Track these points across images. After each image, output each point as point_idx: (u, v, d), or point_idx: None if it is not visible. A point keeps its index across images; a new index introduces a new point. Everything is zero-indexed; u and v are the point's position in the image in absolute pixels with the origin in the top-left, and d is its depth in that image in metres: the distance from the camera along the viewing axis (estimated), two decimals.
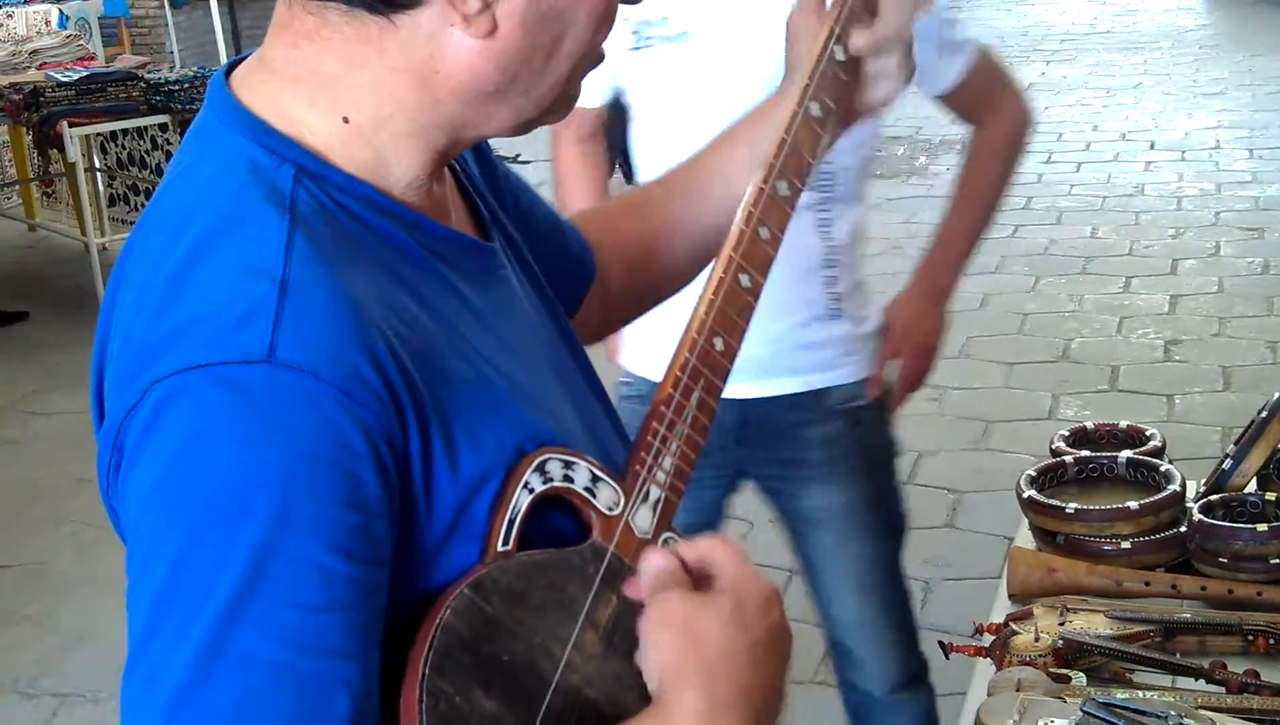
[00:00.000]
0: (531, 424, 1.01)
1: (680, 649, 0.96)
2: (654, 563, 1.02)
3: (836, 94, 1.26)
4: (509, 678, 0.94)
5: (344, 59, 0.99)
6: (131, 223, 7.30)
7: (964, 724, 1.45)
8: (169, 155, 6.86)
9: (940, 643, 1.65)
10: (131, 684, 0.86)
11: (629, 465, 1.07)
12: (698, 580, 1.02)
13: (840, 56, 1.24)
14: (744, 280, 1.15)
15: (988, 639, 1.63)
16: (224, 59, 7.34)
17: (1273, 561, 1.67)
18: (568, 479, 1.01)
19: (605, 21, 1.03)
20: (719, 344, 1.12)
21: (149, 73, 6.44)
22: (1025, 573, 1.75)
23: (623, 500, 1.05)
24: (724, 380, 1.13)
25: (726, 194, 1.32)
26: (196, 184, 0.98)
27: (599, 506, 1.03)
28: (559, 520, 1.02)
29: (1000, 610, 1.73)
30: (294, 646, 0.85)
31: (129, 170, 7.23)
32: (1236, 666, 1.51)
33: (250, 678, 0.84)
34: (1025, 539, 1.89)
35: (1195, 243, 6.81)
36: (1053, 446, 2.01)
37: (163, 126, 6.68)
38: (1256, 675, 1.49)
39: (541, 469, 0.99)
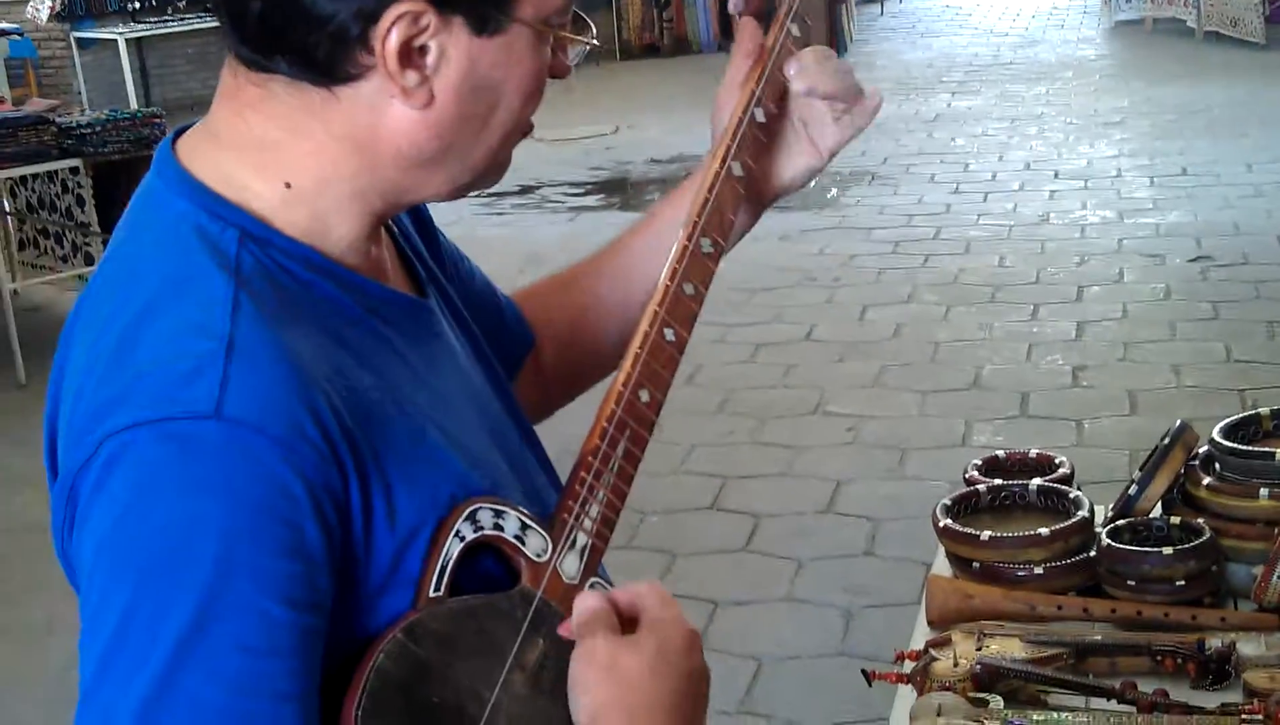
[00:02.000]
0: (464, 475, 1.05)
1: (604, 688, 1.00)
2: (585, 603, 1.06)
3: (757, 154, 1.30)
4: (438, 720, 0.98)
5: (287, 129, 1.03)
6: (42, 267, 7.22)
7: None
8: (80, 199, 6.78)
9: (863, 670, 1.69)
10: (87, 719, 0.90)
11: (556, 513, 1.11)
12: (626, 622, 1.06)
13: (760, 118, 1.28)
14: (669, 334, 1.19)
15: (908, 666, 1.67)
16: (132, 99, 7.30)
17: (1178, 583, 1.74)
18: (497, 527, 1.05)
19: (535, 95, 1.09)
20: (644, 396, 1.17)
21: (59, 116, 6.38)
22: (943, 599, 1.80)
23: (550, 547, 1.09)
24: (649, 431, 1.17)
25: (651, 271, 1.33)
26: (144, 248, 1.02)
27: (528, 553, 1.07)
28: (489, 565, 1.06)
29: (920, 636, 1.77)
30: (238, 690, 0.89)
31: (39, 214, 7.14)
32: (1146, 686, 1.57)
33: (195, 721, 0.88)
34: (942, 566, 1.94)
35: (1100, 270, 6.97)
36: (966, 475, 2.07)
37: (74, 170, 6.62)
38: (1165, 694, 1.54)
39: (473, 518, 1.03)
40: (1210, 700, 1.53)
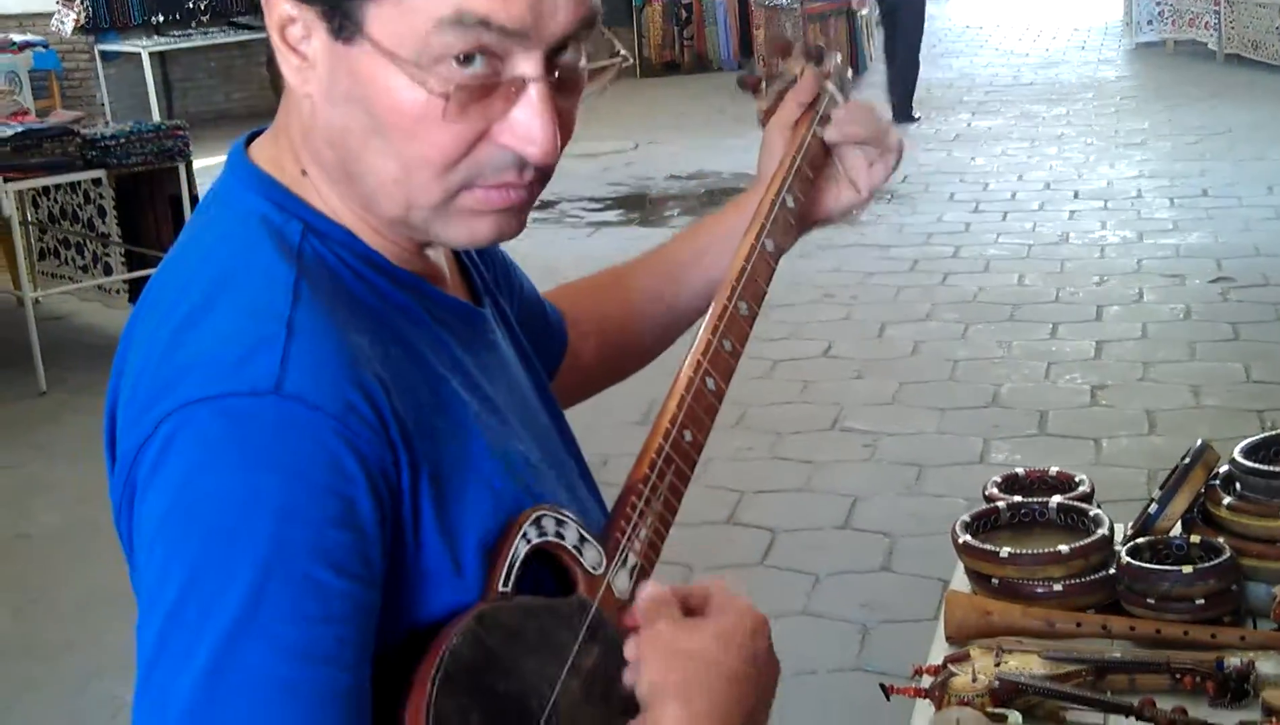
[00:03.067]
0: (517, 481, 1.07)
1: (664, 667, 1.02)
2: (650, 590, 1.08)
3: (804, 188, 1.43)
4: (503, 709, 1.00)
5: (285, 111, 1.06)
6: (63, 277, 7.28)
7: None
8: (101, 210, 6.83)
9: (881, 685, 1.70)
10: (142, 704, 0.91)
11: (609, 531, 1.14)
12: (690, 611, 1.08)
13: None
14: (710, 383, 1.26)
15: (927, 680, 1.68)
16: (155, 110, 7.35)
17: (1198, 602, 1.74)
18: (560, 536, 1.08)
19: (416, 137, 0.98)
20: (688, 436, 1.22)
21: (84, 128, 6.42)
22: (961, 615, 1.81)
23: (605, 562, 1.11)
24: (691, 470, 1.22)
25: (696, 274, 1.46)
26: (211, 237, 1.04)
27: (585, 564, 1.10)
28: (540, 573, 1.07)
29: (938, 652, 1.78)
30: (296, 659, 0.90)
31: (60, 224, 7.19)
32: (1165, 703, 1.57)
33: (256, 691, 0.89)
34: (961, 582, 1.94)
35: (1119, 290, 6.96)
36: (986, 492, 2.07)
37: (96, 181, 6.66)
38: (1184, 712, 1.55)
39: (538, 523, 1.06)
40: (1229, 719, 1.54)
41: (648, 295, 1.50)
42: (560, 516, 1.08)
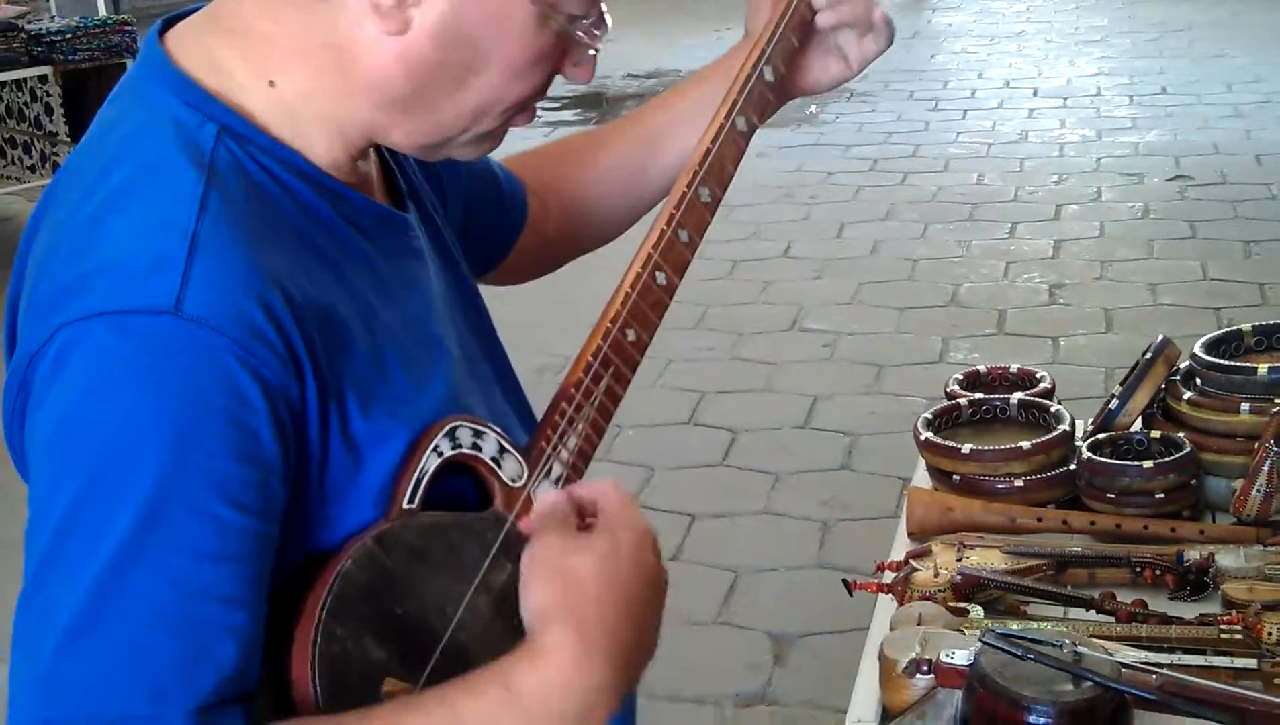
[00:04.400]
0: (434, 393, 1.04)
1: (552, 589, 0.97)
2: (546, 498, 1.04)
3: (789, 57, 1.34)
4: (401, 630, 0.97)
5: (278, 20, 1.01)
6: (10, 177, 7.13)
7: (868, 658, 1.50)
8: (48, 108, 6.70)
9: (844, 580, 1.70)
10: (25, 618, 0.89)
11: (534, 441, 1.11)
12: (585, 519, 1.04)
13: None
14: (660, 278, 1.20)
15: (889, 576, 1.68)
16: (102, 8, 7.18)
17: (1158, 496, 1.74)
18: (476, 447, 1.05)
19: (524, 78, 1.04)
20: (631, 335, 1.17)
21: (29, 23, 6.26)
22: (923, 512, 1.81)
23: (526, 473, 1.08)
24: (633, 371, 1.18)
25: (668, 145, 1.39)
26: (120, 136, 1.00)
27: (503, 477, 1.07)
28: (458, 485, 1.04)
29: (900, 548, 1.78)
30: (186, 592, 0.88)
31: (6, 123, 7.05)
32: (1125, 597, 1.58)
33: (141, 620, 0.87)
34: (922, 479, 1.94)
35: (1078, 188, 6.96)
36: (947, 389, 2.07)
37: (42, 78, 6.53)
38: (1144, 604, 1.55)
39: (452, 435, 1.03)
40: (1188, 611, 1.54)
41: (615, 163, 1.44)
42: (478, 427, 1.05)
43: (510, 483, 1.07)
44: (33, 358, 0.92)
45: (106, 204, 0.94)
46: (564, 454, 1.12)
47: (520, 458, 1.08)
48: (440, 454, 1.01)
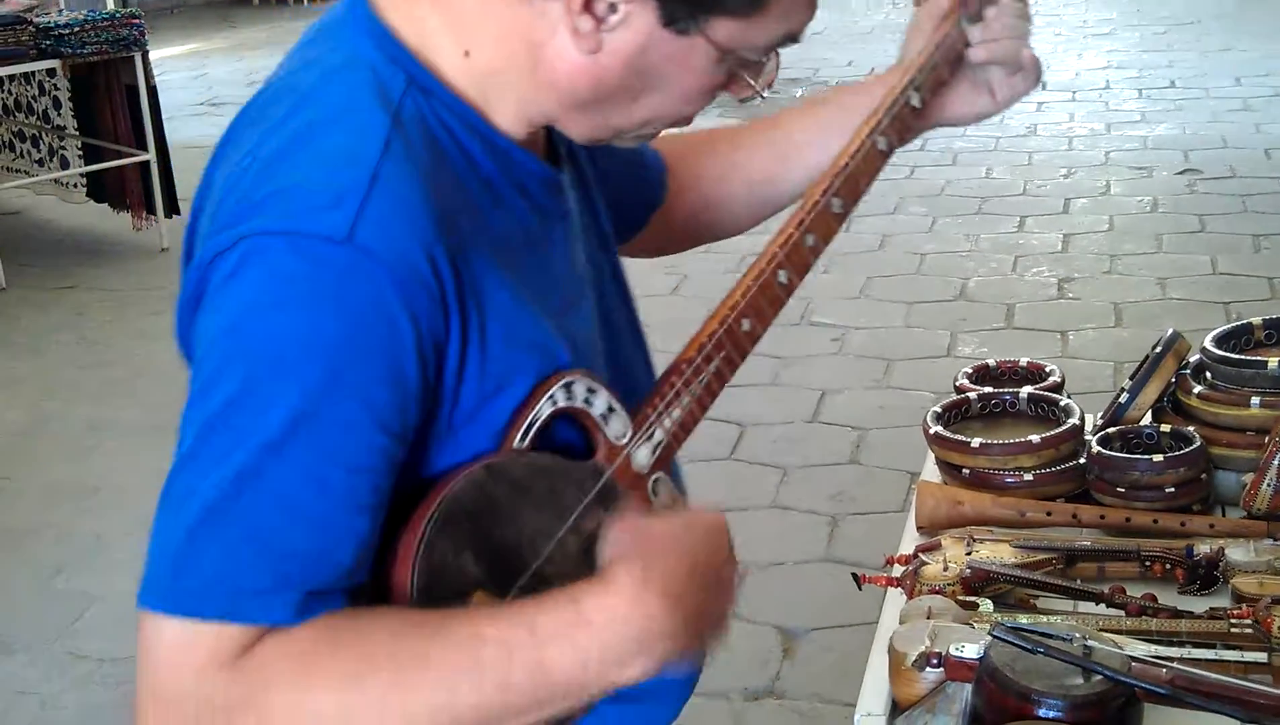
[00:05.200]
0: (562, 348, 1.14)
1: (628, 540, 1.05)
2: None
3: (935, 86, 1.40)
4: (496, 553, 1.07)
5: (485, 6, 1.09)
6: (18, 171, 7.15)
7: (877, 651, 1.50)
8: (56, 101, 6.71)
9: (853, 574, 1.70)
10: (169, 495, 0.98)
11: (642, 407, 1.20)
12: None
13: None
14: (781, 276, 1.28)
15: (898, 570, 1.68)
16: (110, 2, 7.18)
17: (1168, 490, 1.74)
18: (587, 402, 1.14)
19: (695, 101, 1.15)
20: (746, 325, 1.25)
21: (38, 16, 6.26)
22: (933, 505, 1.81)
23: (630, 434, 1.17)
24: (742, 358, 1.25)
25: (808, 156, 1.46)
26: (315, 76, 1.09)
27: (607, 433, 1.16)
28: (569, 436, 1.15)
29: (909, 542, 1.78)
30: (319, 493, 0.97)
31: (15, 116, 7.06)
32: (1135, 591, 1.58)
33: (275, 511, 0.96)
34: (930, 473, 1.94)
35: (1086, 182, 6.95)
36: (956, 383, 2.07)
37: (51, 72, 6.53)
38: (1154, 598, 1.55)
39: (568, 387, 1.12)
40: (1198, 605, 1.54)
41: (749, 168, 1.50)
42: (593, 384, 1.14)
43: (614, 440, 1.16)
44: (216, 258, 1.00)
45: (299, 134, 1.03)
46: (666, 422, 1.20)
47: (627, 419, 1.17)
48: (555, 403, 1.11)
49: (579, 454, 1.15)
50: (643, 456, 1.18)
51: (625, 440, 1.17)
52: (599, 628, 1.01)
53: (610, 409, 1.15)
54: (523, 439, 1.09)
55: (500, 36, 1.09)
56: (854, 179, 1.33)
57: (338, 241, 0.97)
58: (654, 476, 1.20)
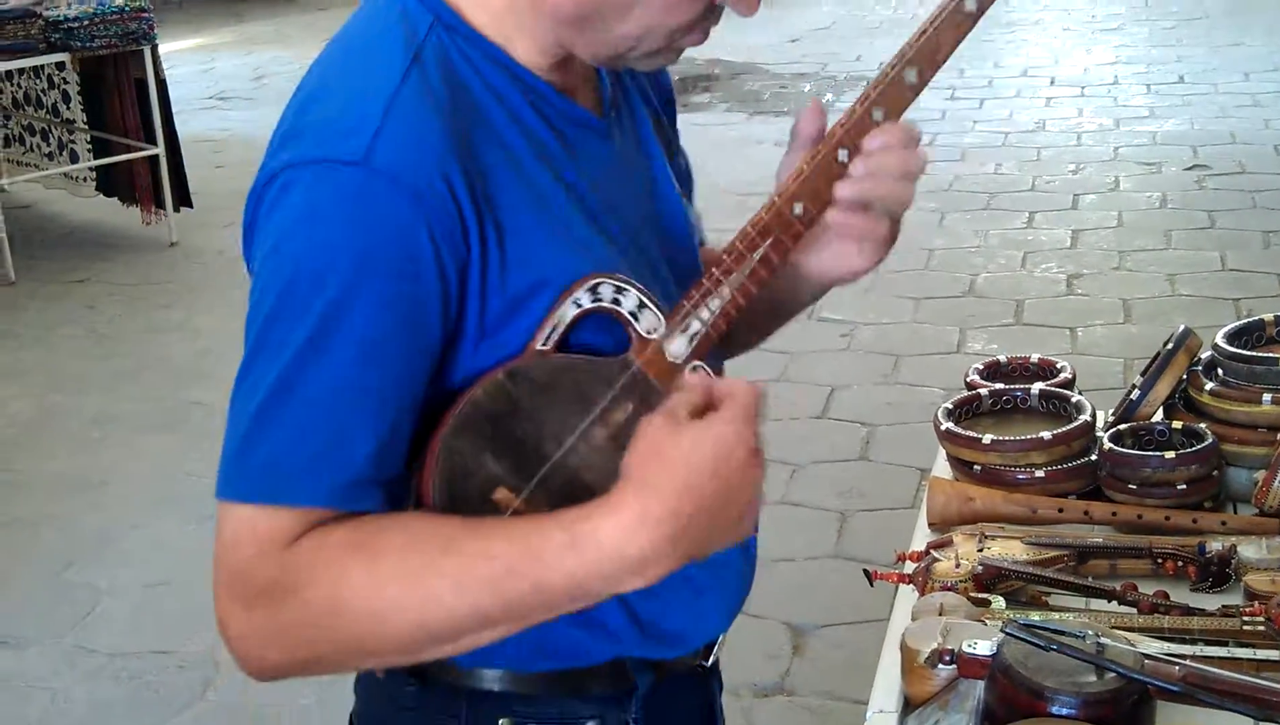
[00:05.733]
0: (590, 252, 1.18)
1: (642, 461, 1.06)
2: (690, 380, 1.12)
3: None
4: (517, 449, 1.13)
5: None
6: (28, 165, 7.14)
7: (889, 648, 1.50)
8: (66, 95, 6.71)
9: (865, 570, 1.70)
10: (237, 394, 1.12)
11: (679, 301, 1.21)
12: (709, 407, 1.09)
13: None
14: (842, 155, 1.22)
15: (910, 566, 1.68)
16: None
17: (1179, 487, 1.74)
18: (615, 302, 1.17)
19: (676, 7, 1.15)
20: (798, 209, 1.22)
21: (46, 9, 6.26)
22: (944, 502, 1.80)
23: (662, 327, 1.19)
24: (795, 242, 1.22)
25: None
26: (361, 20, 1.22)
27: (639, 328, 1.19)
28: (601, 338, 1.18)
29: (920, 539, 1.78)
30: (348, 389, 1.09)
31: (25, 110, 7.07)
32: (1146, 588, 1.57)
33: (310, 406, 1.09)
34: (940, 469, 1.94)
35: (1095, 178, 6.94)
36: (967, 379, 2.06)
37: (60, 65, 6.53)
38: (1166, 596, 1.55)
39: (594, 290, 1.16)
40: (1210, 603, 1.54)
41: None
42: (620, 284, 1.17)
43: (645, 334, 1.19)
44: (268, 182, 1.13)
45: (334, 71, 1.17)
46: (705, 313, 1.20)
47: (659, 313, 1.19)
48: (579, 306, 1.15)
49: (611, 354, 1.19)
50: (678, 347, 1.19)
51: (658, 333, 1.19)
52: (598, 552, 1.04)
53: (641, 305, 1.18)
54: (544, 343, 1.14)
55: None
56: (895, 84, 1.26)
57: (356, 164, 1.08)
58: (690, 366, 1.20)
